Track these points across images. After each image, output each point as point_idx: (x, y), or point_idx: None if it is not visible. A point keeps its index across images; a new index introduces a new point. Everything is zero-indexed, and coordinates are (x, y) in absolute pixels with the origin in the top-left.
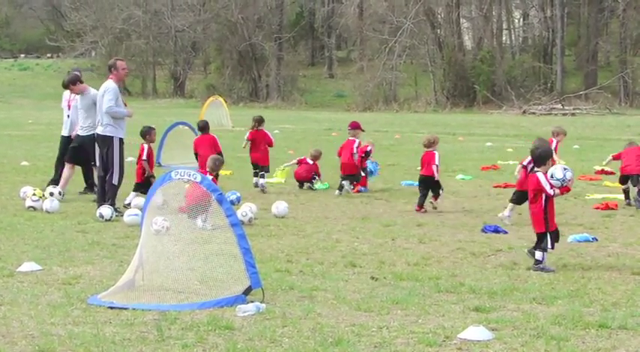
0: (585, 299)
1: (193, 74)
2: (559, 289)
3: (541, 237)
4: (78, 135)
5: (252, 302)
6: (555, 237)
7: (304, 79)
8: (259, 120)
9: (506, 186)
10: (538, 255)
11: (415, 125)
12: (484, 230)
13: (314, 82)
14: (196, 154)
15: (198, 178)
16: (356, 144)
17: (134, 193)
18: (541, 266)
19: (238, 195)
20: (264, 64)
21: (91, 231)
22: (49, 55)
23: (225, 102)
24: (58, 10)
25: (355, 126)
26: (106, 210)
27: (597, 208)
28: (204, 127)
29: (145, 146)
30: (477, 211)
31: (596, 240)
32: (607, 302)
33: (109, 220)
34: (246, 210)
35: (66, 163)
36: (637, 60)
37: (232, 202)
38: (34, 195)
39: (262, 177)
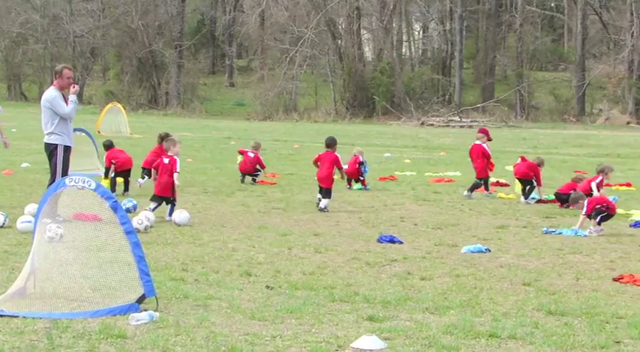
0: (477, 309)
1: (92, 80)
2: (452, 299)
3: None
4: None
5: (145, 310)
6: None
7: (204, 87)
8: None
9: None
10: None
11: (314, 135)
12: (380, 240)
13: (214, 90)
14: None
15: (93, 185)
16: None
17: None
18: None
19: (135, 202)
20: (164, 71)
21: None
22: None
23: (124, 108)
24: None
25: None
26: None
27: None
28: (109, 146)
29: (339, 155)
30: (373, 221)
31: (490, 251)
32: (498, 312)
33: (1, 227)
34: (142, 218)
35: None
36: (533, 74)
37: (128, 210)
38: None
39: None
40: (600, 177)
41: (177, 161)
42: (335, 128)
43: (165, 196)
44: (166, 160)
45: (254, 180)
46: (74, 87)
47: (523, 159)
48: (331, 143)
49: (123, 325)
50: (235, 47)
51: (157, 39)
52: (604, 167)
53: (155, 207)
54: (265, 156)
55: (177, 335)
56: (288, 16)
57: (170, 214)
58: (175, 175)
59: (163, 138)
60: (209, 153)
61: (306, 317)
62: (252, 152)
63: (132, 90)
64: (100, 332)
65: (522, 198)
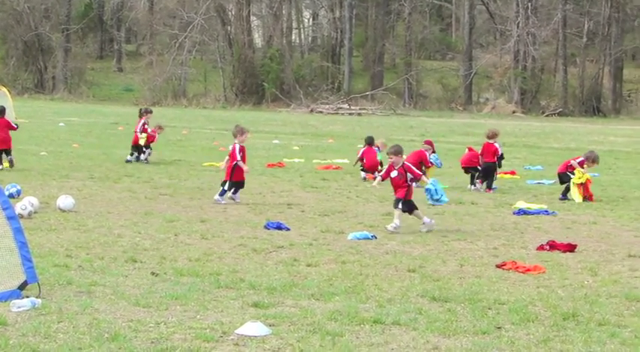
0: (362, 295)
1: None
2: (337, 285)
3: None
4: None
5: (27, 297)
6: None
7: (92, 71)
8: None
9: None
10: None
11: (203, 121)
12: (267, 226)
13: (102, 75)
14: None
15: None
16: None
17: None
18: None
19: (19, 187)
20: (51, 55)
21: None
22: None
23: (10, 93)
24: None
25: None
26: None
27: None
28: (2, 111)
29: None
30: (260, 208)
31: (376, 237)
32: (383, 299)
33: None
34: (25, 204)
35: None
36: (421, 63)
37: (12, 195)
38: None
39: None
40: (581, 158)
41: (236, 148)
42: (224, 114)
43: (226, 180)
44: (230, 147)
45: (138, 158)
46: None
47: (470, 149)
48: (2, 110)
49: (4, 312)
50: (124, 32)
51: (43, 22)
52: (593, 156)
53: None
54: (154, 143)
55: (59, 322)
56: (177, 1)
57: (220, 194)
58: (239, 163)
59: (145, 111)
60: (96, 138)
61: (191, 304)
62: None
63: (17, 74)
64: None
65: (471, 186)
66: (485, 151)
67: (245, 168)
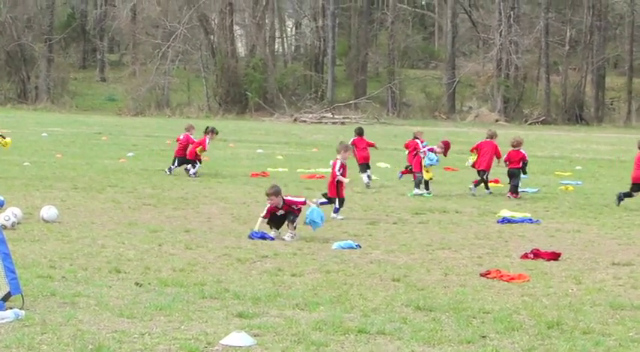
0: (347, 305)
1: None
2: (322, 295)
3: None
4: None
5: (11, 308)
6: None
7: (75, 81)
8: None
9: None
10: None
11: None
12: (251, 236)
13: (85, 85)
14: None
15: None
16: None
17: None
18: None
19: (1, 198)
20: (34, 65)
21: None
22: None
23: None
24: None
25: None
26: None
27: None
28: None
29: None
30: (244, 218)
31: (360, 247)
32: (367, 308)
33: None
34: (9, 215)
35: None
36: (404, 71)
37: None
38: None
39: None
40: None
41: (337, 164)
42: (207, 123)
43: (331, 197)
44: (331, 163)
45: (187, 170)
46: None
47: (476, 149)
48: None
49: None
50: (107, 41)
51: (25, 32)
52: None
53: (322, 203)
54: (137, 152)
55: (43, 334)
56: (160, 11)
57: (335, 211)
58: (339, 177)
59: (212, 131)
60: (79, 148)
61: (176, 315)
62: (183, 134)
63: (0, 85)
64: None
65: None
66: (512, 158)
67: (345, 180)
